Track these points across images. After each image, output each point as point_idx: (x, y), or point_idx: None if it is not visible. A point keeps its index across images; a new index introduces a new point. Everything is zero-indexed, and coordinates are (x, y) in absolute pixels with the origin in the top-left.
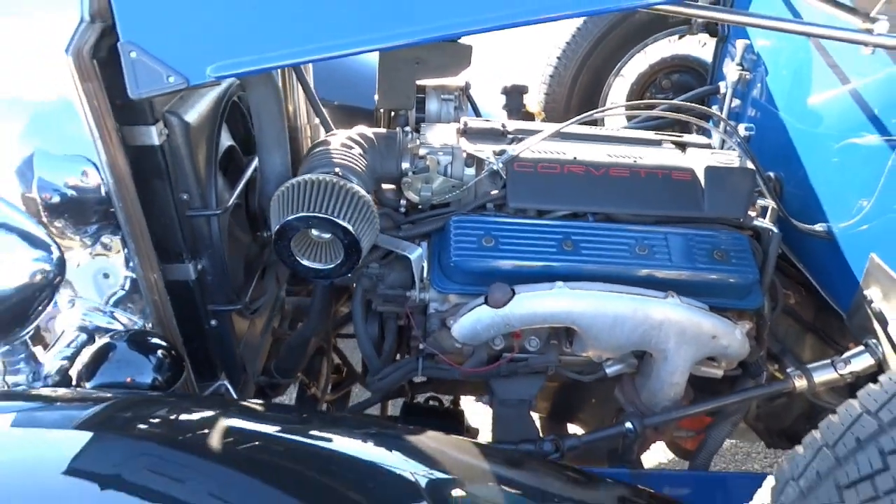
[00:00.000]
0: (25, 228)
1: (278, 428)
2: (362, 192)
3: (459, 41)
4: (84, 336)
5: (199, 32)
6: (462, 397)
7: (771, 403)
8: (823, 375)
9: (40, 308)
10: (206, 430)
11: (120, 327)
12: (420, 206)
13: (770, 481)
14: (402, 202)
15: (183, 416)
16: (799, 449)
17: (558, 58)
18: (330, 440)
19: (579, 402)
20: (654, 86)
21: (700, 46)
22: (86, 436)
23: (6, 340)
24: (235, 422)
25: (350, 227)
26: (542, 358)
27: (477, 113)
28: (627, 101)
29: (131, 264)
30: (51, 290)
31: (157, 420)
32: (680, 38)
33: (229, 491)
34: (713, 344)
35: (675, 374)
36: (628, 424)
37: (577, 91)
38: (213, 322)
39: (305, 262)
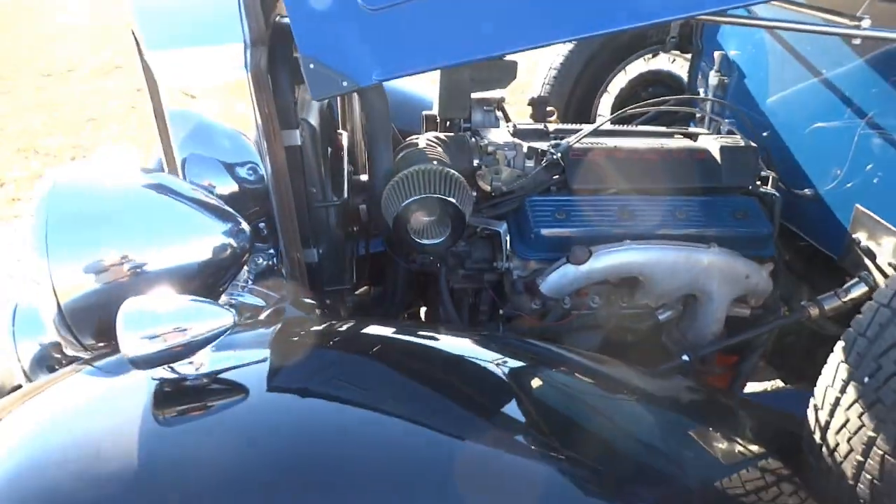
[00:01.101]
0: (219, 206)
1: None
2: (461, 177)
3: (505, 59)
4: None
5: (363, 44)
6: None
7: (782, 342)
8: (830, 304)
9: (228, 280)
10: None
11: (261, 303)
12: (493, 194)
13: (840, 343)
14: (473, 192)
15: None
16: (859, 316)
17: (555, 77)
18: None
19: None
20: (634, 98)
21: (670, 63)
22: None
23: None
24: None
25: (458, 205)
26: (606, 310)
27: (508, 120)
28: (611, 113)
29: (278, 247)
30: (238, 264)
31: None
32: (654, 56)
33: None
34: (746, 283)
35: (718, 311)
36: (685, 357)
37: (573, 105)
38: (328, 301)
39: (422, 240)
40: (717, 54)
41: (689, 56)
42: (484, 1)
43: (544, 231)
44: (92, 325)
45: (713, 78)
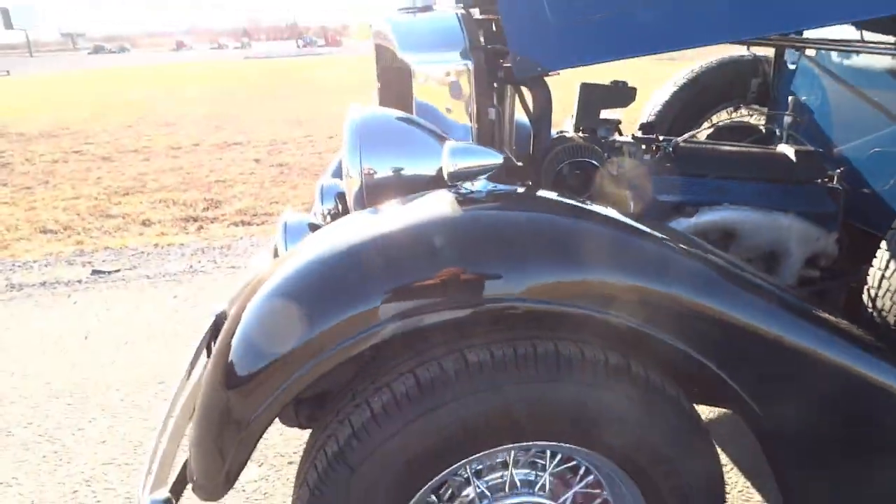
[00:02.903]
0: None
1: None
2: (600, 150)
3: (628, 85)
4: None
5: (550, 44)
6: None
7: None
8: None
9: None
10: None
11: None
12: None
13: (884, 244)
14: None
15: None
16: None
17: (652, 119)
18: None
19: None
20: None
21: (749, 116)
22: None
23: None
24: None
25: (598, 166)
26: None
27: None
28: None
29: None
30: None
31: None
32: (735, 109)
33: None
34: (816, 244)
35: (794, 265)
36: None
37: None
38: None
39: None
40: (790, 99)
41: (765, 109)
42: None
43: (661, 198)
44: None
45: (787, 118)
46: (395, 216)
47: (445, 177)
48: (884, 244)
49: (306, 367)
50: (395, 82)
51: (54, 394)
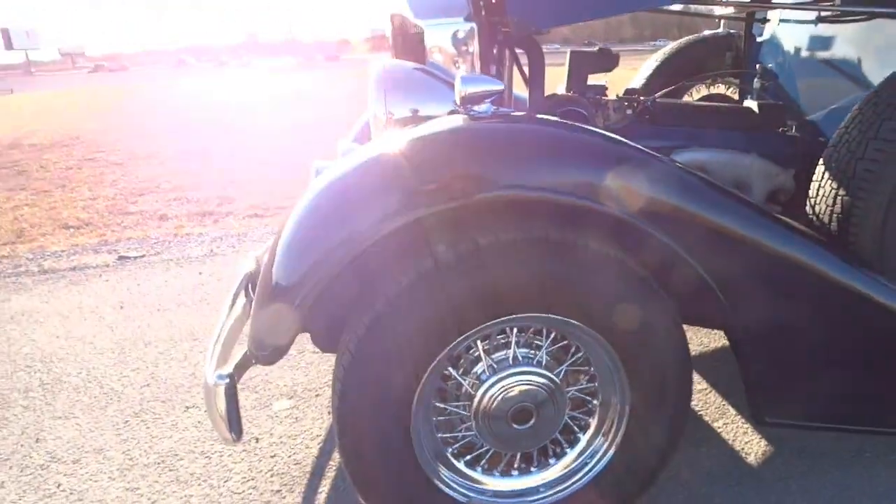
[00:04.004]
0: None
1: None
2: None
3: (610, 50)
4: None
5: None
6: None
7: None
8: None
9: None
10: None
11: None
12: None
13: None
14: None
15: None
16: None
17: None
18: None
19: None
20: None
21: (726, 89)
22: None
23: None
24: None
25: (588, 117)
26: None
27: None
28: None
29: None
30: None
31: None
32: (713, 82)
33: None
34: (776, 180)
35: (757, 198)
36: None
37: None
38: None
39: None
40: (758, 66)
41: (738, 81)
42: None
43: (640, 143)
44: None
45: (756, 83)
46: (415, 132)
47: (457, 101)
48: (821, 161)
49: (341, 250)
50: (409, 48)
51: (98, 351)
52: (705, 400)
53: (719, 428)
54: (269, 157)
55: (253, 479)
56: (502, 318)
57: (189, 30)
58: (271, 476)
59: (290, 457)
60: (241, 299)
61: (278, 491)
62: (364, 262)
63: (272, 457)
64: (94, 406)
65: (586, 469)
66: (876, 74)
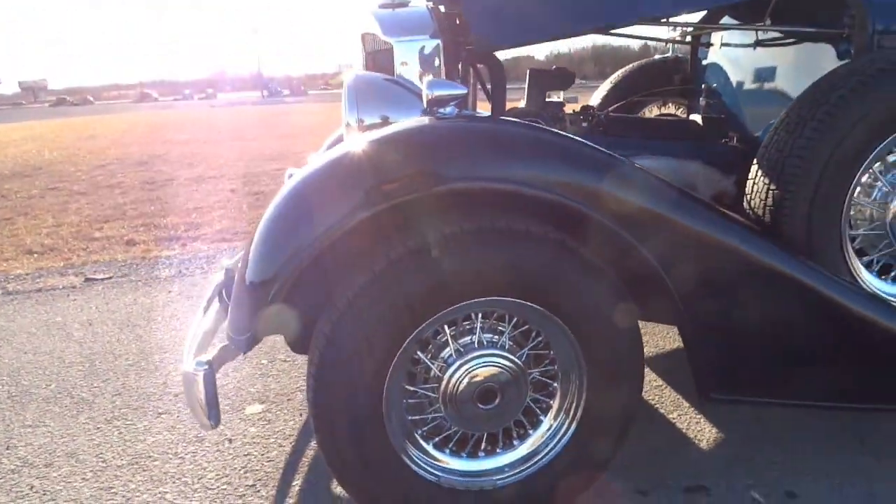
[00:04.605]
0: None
1: None
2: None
3: (567, 69)
4: None
5: (498, 29)
6: None
7: None
8: None
9: None
10: None
11: None
12: None
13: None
14: None
15: None
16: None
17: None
18: None
19: None
20: None
21: (677, 110)
22: None
23: None
24: None
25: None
26: None
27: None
28: None
29: None
30: None
31: None
32: (664, 104)
33: None
34: (720, 185)
35: None
36: None
37: None
38: None
39: None
40: (703, 86)
41: (685, 99)
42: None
43: None
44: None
45: (702, 100)
46: (383, 132)
47: (424, 103)
48: (755, 160)
49: (309, 240)
50: (379, 64)
51: (67, 364)
52: (661, 386)
53: (674, 419)
54: (234, 185)
55: (227, 476)
56: (464, 303)
57: (155, 64)
58: (245, 472)
59: (263, 455)
60: (216, 304)
61: (252, 486)
62: (335, 258)
63: (245, 455)
64: (66, 415)
65: (549, 448)
66: (803, 89)
